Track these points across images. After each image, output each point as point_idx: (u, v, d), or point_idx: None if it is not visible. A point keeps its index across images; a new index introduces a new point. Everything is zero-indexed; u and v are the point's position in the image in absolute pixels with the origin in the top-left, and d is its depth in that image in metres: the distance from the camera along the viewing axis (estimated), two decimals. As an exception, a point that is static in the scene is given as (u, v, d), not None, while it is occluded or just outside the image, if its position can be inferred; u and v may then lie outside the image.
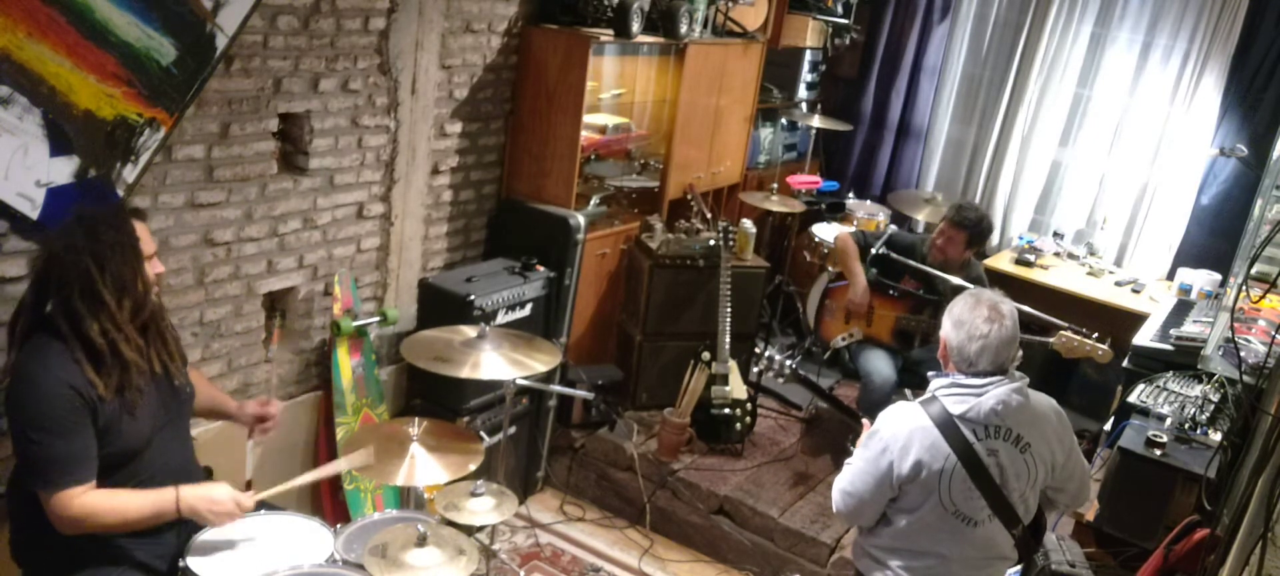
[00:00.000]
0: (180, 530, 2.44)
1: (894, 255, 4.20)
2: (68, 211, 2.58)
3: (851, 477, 2.59)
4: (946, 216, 4.20)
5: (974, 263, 4.36)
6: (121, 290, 2.24)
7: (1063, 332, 3.85)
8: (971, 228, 4.13)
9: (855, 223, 5.54)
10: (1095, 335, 3.80)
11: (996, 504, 2.50)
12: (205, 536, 2.41)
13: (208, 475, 2.62)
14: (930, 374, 2.64)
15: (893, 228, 4.21)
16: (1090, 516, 3.21)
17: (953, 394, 2.51)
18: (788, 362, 3.30)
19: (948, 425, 2.47)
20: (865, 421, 2.83)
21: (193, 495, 2.32)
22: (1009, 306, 2.57)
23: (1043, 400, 2.62)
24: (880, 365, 4.17)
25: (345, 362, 3.55)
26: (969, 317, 2.53)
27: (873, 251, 4.29)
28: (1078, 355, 3.82)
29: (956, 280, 4.02)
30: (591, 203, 4.33)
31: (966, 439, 2.46)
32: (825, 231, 5.39)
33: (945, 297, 3.94)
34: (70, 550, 2.34)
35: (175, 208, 2.94)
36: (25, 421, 2.19)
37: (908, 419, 2.51)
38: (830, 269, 4.69)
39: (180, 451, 2.51)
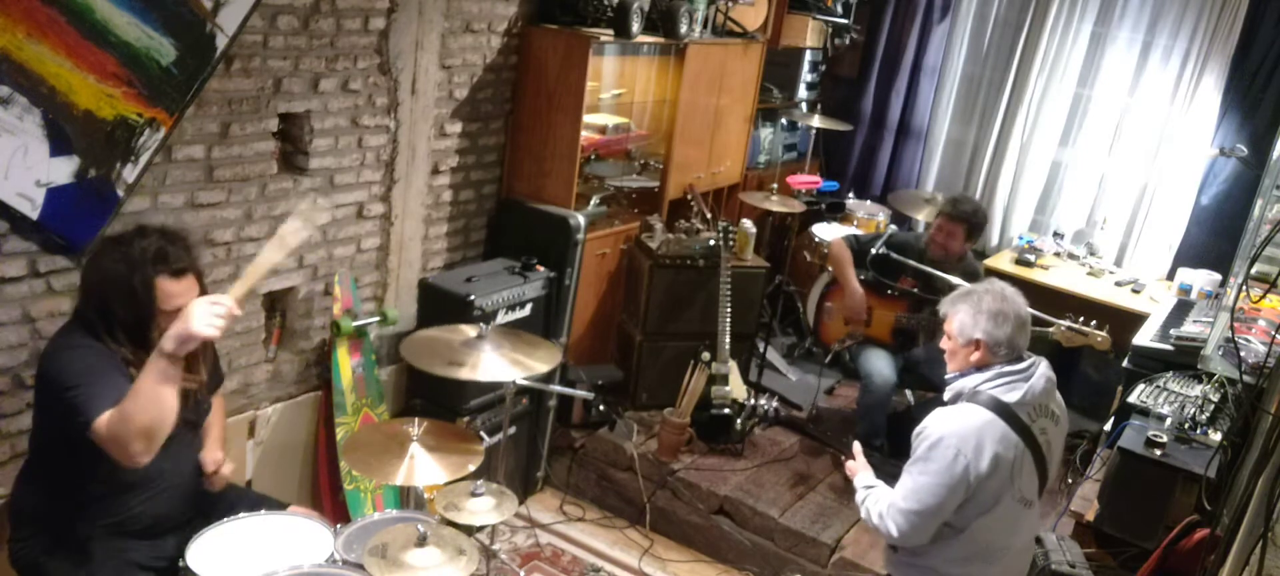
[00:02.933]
0: (180, 533, 2.45)
1: (894, 256, 4.20)
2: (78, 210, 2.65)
3: (918, 495, 2.48)
4: (942, 211, 4.21)
5: (970, 258, 4.36)
6: (129, 328, 2.32)
7: (1061, 324, 3.86)
8: (969, 219, 4.14)
9: (855, 222, 5.54)
10: (1094, 323, 3.82)
11: (1043, 480, 2.56)
12: (204, 538, 2.42)
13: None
14: (947, 377, 2.62)
15: (892, 227, 4.21)
16: (1090, 516, 3.22)
17: (1002, 384, 2.49)
18: (772, 406, 3.27)
19: (1008, 415, 2.46)
20: (856, 446, 2.82)
21: (171, 331, 2.17)
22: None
23: None
24: (880, 365, 4.17)
25: (345, 362, 3.55)
26: (1002, 306, 2.54)
27: (873, 252, 4.29)
28: (1077, 343, 3.84)
29: (956, 279, 4.02)
30: (591, 203, 4.33)
31: (1025, 424, 2.47)
32: (825, 231, 5.39)
33: (944, 295, 3.95)
34: (70, 555, 2.34)
35: (175, 208, 2.94)
36: (62, 383, 2.23)
37: (970, 417, 2.48)
38: (828, 269, 4.69)
39: (190, 459, 2.54)
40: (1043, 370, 2.52)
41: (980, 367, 2.55)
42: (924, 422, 2.54)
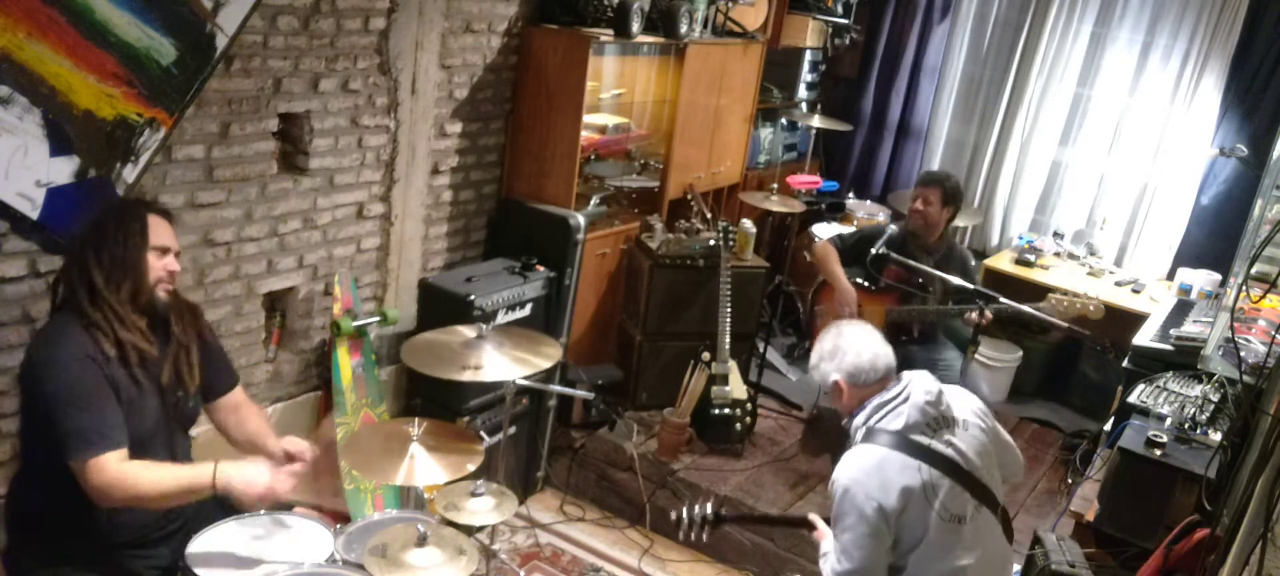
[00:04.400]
0: (173, 541, 2.45)
1: (895, 256, 4.19)
2: (78, 210, 2.65)
3: (849, 553, 2.43)
4: (917, 183, 4.27)
5: (958, 245, 4.39)
6: (115, 274, 2.30)
7: (1053, 295, 3.90)
8: (943, 183, 4.17)
9: (855, 223, 5.54)
10: (1087, 291, 3.85)
11: (975, 489, 2.47)
12: (203, 538, 2.42)
13: None
14: (844, 423, 2.61)
15: (892, 227, 4.21)
16: (1090, 516, 3.21)
17: (884, 414, 2.48)
18: (707, 508, 2.95)
19: (902, 443, 2.43)
20: (814, 517, 2.77)
21: (231, 470, 2.31)
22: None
23: (945, 386, 2.63)
24: None
25: (345, 362, 3.55)
26: (840, 343, 2.56)
27: (873, 252, 4.26)
28: (1070, 315, 3.87)
29: (956, 280, 4.01)
30: (591, 203, 4.33)
31: (924, 444, 2.44)
32: (825, 231, 5.39)
33: (933, 287, 3.98)
34: (64, 558, 2.33)
35: (175, 208, 2.93)
36: (51, 398, 2.21)
37: (866, 457, 2.45)
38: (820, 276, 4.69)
39: (176, 460, 2.49)
40: (920, 385, 2.48)
41: (859, 405, 2.54)
42: (833, 475, 2.50)
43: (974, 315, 3.89)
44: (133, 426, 2.31)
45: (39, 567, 2.35)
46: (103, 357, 2.25)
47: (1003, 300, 3.96)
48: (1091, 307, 3.80)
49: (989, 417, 2.63)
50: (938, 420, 2.47)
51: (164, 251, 2.37)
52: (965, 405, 2.58)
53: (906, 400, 2.46)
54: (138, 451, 2.33)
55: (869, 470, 2.41)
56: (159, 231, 2.37)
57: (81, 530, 2.33)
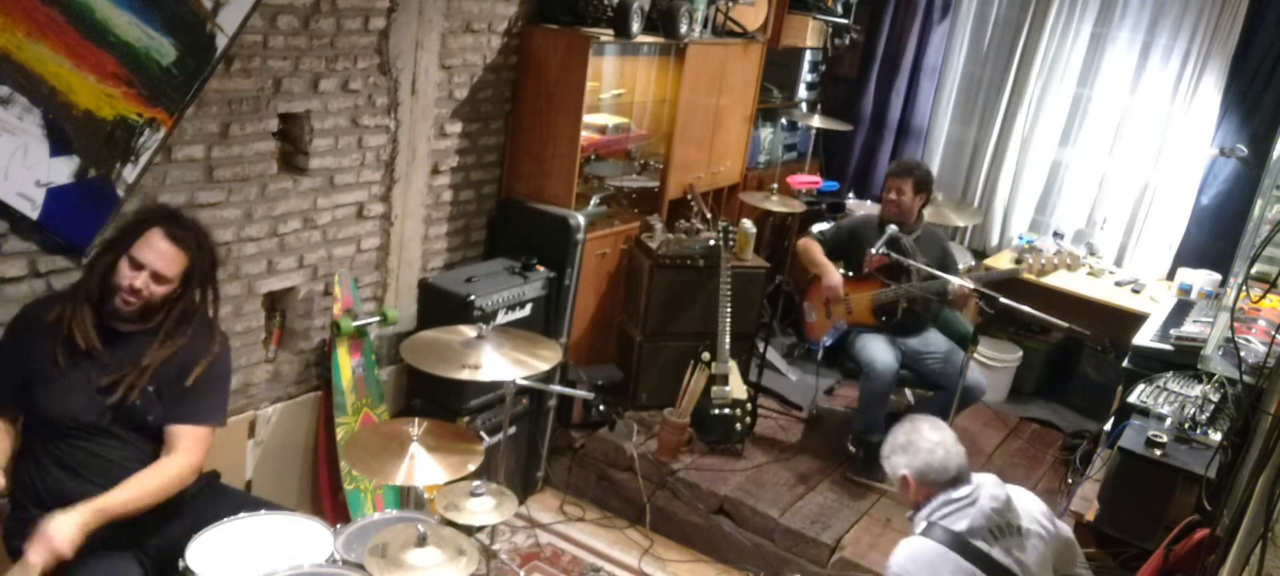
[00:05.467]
0: (169, 525, 2.45)
1: (895, 255, 4.19)
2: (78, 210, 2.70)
3: None
4: (888, 174, 4.33)
5: (937, 232, 4.44)
6: (91, 268, 2.46)
7: (1028, 256, 4.11)
8: (913, 171, 4.24)
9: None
10: (1060, 249, 3.94)
11: None
12: (204, 538, 2.41)
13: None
14: (908, 515, 2.61)
15: (892, 227, 4.20)
16: (1090, 516, 3.22)
17: (949, 513, 2.47)
18: None
19: (961, 546, 2.42)
20: None
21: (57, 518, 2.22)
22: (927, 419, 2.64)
23: (1011, 487, 2.63)
24: (879, 352, 4.14)
25: (345, 362, 3.55)
26: (913, 439, 2.55)
27: (873, 252, 4.26)
28: (1048, 272, 4.09)
29: (959, 279, 4.00)
30: (591, 203, 4.33)
31: (983, 552, 2.42)
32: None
33: (911, 259, 4.07)
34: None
35: (175, 207, 2.94)
36: None
37: (922, 551, 2.44)
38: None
39: (117, 458, 2.45)
40: (989, 490, 2.48)
41: (926, 500, 2.54)
42: (888, 561, 2.50)
43: (957, 284, 3.94)
44: (46, 404, 2.37)
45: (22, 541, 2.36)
46: (42, 325, 2.38)
47: (981, 271, 4.07)
48: (1069, 261, 4.09)
49: (1052, 520, 2.62)
50: (1001, 527, 2.46)
51: (138, 265, 2.40)
52: (1030, 512, 2.57)
53: (974, 503, 2.46)
54: (58, 434, 2.39)
55: (922, 565, 2.41)
56: (148, 245, 2.41)
57: (51, 505, 2.33)
